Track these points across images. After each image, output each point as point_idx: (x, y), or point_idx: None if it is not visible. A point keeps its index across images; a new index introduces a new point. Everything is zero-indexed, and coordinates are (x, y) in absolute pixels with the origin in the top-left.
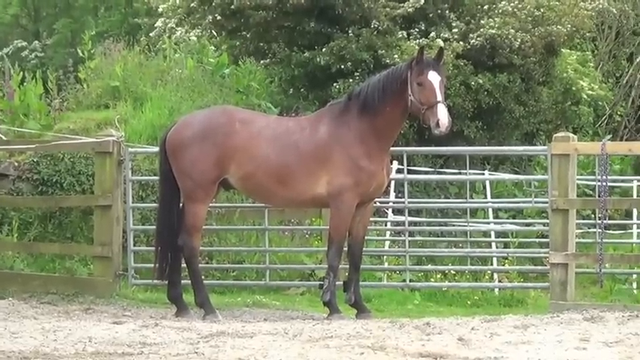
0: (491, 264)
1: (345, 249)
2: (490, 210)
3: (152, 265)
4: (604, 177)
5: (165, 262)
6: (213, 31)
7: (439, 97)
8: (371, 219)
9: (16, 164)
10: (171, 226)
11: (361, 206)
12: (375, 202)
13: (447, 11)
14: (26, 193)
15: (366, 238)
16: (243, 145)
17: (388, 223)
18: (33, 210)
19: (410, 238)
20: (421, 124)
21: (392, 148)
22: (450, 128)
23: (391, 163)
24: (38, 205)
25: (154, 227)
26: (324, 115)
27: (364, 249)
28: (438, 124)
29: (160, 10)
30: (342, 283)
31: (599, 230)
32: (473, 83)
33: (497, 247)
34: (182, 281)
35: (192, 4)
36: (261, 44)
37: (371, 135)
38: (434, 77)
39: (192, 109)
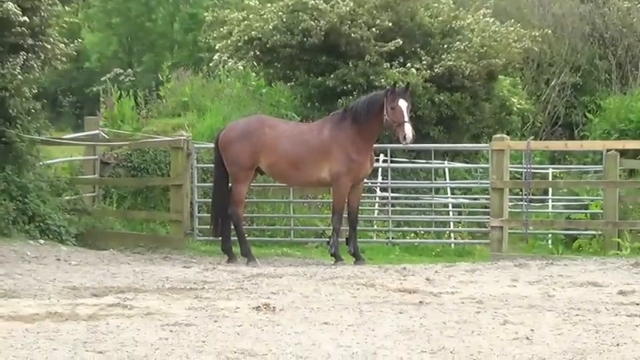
0: (449, 226)
1: (345, 216)
2: (448, 188)
3: (210, 226)
4: (529, 166)
5: (217, 224)
6: (254, 62)
7: (406, 118)
8: (362, 194)
9: (115, 155)
10: (222, 199)
11: (354, 186)
12: (365, 183)
13: (419, 49)
14: (122, 175)
15: (359, 207)
16: (269, 142)
17: (377, 197)
18: (127, 188)
19: (392, 208)
20: (393, 136)
21: (379, 145)
22: (416, 136)
23: (377, 156)
24: (131, 184)
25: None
26: (327, 122)
27: (359, 215)
28: (404, 138)
29: (217, 47)
30: (344, 239)
31: (525, 203)
32: (436, 99)
33: (453, 215)
34: (232, 238)
35: (239, 44)
36: (288, 72)
37: (359, 137)
38: (402, 104)
39: (238, 117)
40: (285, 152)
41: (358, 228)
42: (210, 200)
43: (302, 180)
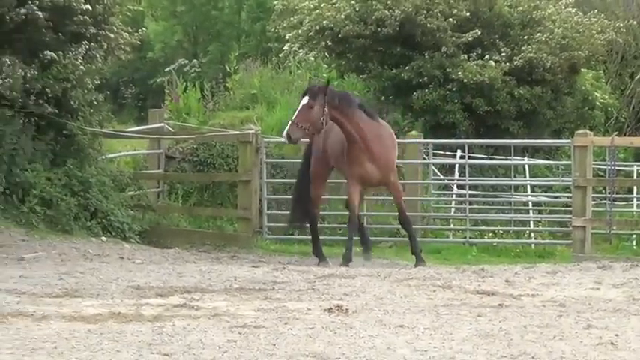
0: (529, 226)
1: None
2: (528, 186)
3: (280, 224)
4: (612, 163)
5: (294, 218)
6: (325, 53)
7: (293, 116)
8: (440, 192)
9: (180, 149)
10: (303, 196)
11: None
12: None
13: (498, 40)
14: (188, 171)
15: (437, 206)
16: None
17: (454, 195)
18: (193, 183)
19: (469, 207)
20: None
21: (456, 141)
22: (298, 136)
23: (454, 152)
24: (197, 180)
25: (282, 197)
26: None
27: (436, 214)
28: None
29: (286, 37)
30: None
31: (609, 202)
32: (516, 93)
33: (533, 214)
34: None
35: (310, 34)
36: (361, 63)
37: None
38: (302, 100)
39: None
40: None
41: (434, 227)
42: (280, 197)
43: None
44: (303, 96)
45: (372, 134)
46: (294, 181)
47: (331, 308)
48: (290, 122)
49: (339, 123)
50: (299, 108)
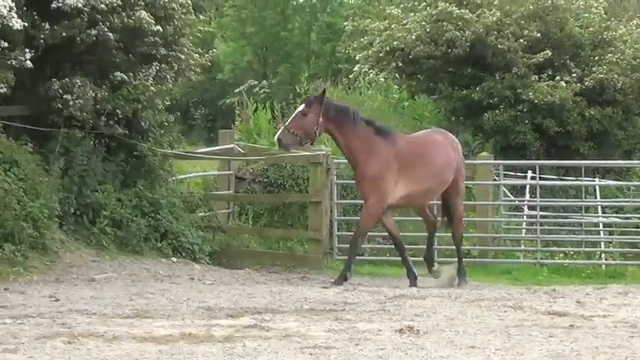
0: (600, 247)
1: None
2: (599, 207)
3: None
4: None
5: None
6: (396, 74)
7: (287, 122)
8: (511, 212)
9: (251, 170)
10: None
11: None
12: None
13: (568, 61)
14: (258, 192)
15: (507, 227)
16: None
17: (525, 216)
18: (263, 204)
19: (540, 227)
20: None
21: (527, 162)
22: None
23: (525, 173)
24: (267, 201)
25: (352, 218)
26: None
27: (507, 235)
28: None
29: (357, 58)
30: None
31: None
32: (587, 114)
33: (604, 235)
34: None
35: (380, 55)
36: (431, 84)
37: None
38: (299, 108)
39: None
40: None
41: (505, 248)
42: (351, 218)
43: None
44: (300, 104)
45: (364, 150)
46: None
47: (402, 329)
48: (282, 127)
49: (332, 135)
50: (294, 114)
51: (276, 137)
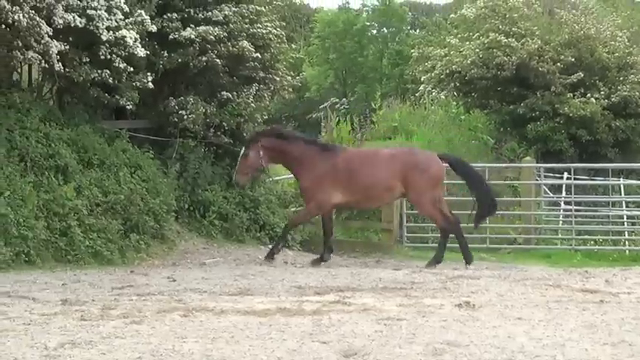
0: (625, 235)
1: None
2: (624, 202)
3: (418, 234)
4: None
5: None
6: (454, 92)
7: (237, 167)
8: (550, 207)
9: None
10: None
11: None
12: (551, 197)
13: (597, 81)
14: None
15: (547, 219)
16: None
17: (561, 210)
18: None
19: (575, 219)
20: None
21: (563, 165)
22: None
23: (561, 174)
24: None
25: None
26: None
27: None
28: None
29: (421, 79)
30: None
31: None
32: (613, 125)
33: (628, 225)
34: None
35: (441, 76)
36: (484, 101)
37: None
38: (241, 152)
39: (442, 140)
40: None
41: (545, 236)
42: (416, 212)
43: None
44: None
45: (301, 165)
46: None
47: (460, 304)
48: (235, 172)
49: (276, 159)
50: (239, 159)
51: (234, 181)
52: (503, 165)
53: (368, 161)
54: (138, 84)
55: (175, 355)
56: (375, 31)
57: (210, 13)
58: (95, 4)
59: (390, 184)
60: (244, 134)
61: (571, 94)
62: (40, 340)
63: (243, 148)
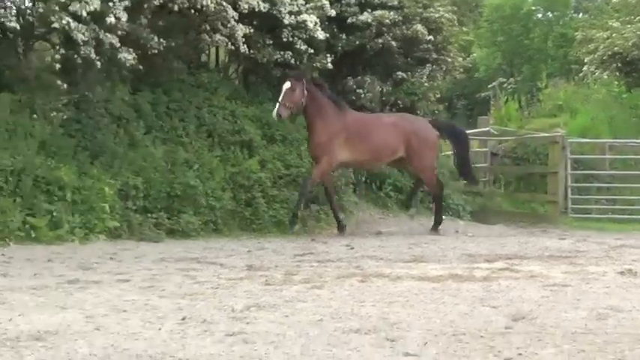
0: None
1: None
2: None
3: (582, 206)
4: None
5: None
6: (616, 73)
7: (279, 98)
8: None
9: (503, 148)
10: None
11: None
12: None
13: None
14: (508, 164)
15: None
16: None
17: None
18: (512, 174)
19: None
20: None
21: None
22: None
23: None
24: (515, 172)
25: (582, 185)
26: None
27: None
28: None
29: (585, 60)
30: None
31: None
32: None
33: None
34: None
35: (604, 58)
36: None
37: None
38: (284, 85)
39: (604, 118)
40: None
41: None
42: (584, 185)
43: None
44: (284, 82)
45: (319, 117)
46: (593, 172)
47: (623, 271)
48: (278, 104)
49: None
50: (283, 92)
51: (274, 113)
52: None
53: (376, 125)
54: (318, 65)
55: (354, 318)
56: (540, 15)
57: None
58: None
59: (396, 148)
60: (418, 112)
61: None
62: (228, 303)
63: (289, 82)
